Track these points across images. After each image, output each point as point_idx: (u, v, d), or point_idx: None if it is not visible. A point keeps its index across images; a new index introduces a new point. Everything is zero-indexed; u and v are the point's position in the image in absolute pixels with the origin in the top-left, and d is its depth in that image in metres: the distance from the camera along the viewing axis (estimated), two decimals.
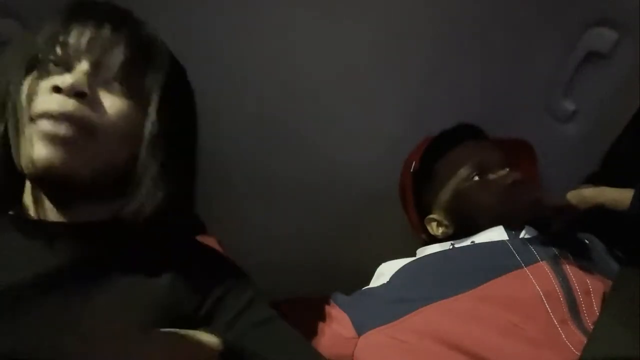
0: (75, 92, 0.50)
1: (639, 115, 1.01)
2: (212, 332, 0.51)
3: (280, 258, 1.21)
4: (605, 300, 0.69)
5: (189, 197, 0.63)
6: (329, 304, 0.86)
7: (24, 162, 0.50)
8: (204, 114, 0.69)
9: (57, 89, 0.50)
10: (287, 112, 1.06)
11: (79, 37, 0.53)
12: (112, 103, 0.53)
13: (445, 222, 0.94)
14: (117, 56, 0.53)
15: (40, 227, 0.54)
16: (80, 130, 0.50)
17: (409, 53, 1.01)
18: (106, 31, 0.53)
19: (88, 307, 0.47)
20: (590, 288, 0.71)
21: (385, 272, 0.90)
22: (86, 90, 0.50)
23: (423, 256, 0.88)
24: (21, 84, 0.51)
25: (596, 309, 0.68)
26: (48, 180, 0.52)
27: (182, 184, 0.60)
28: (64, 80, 0.50)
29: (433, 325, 0.71)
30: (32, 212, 0.55)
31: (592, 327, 0.65)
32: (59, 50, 0.52)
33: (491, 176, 0.90)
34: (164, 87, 0.56)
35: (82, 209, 0.55)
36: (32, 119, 0.50)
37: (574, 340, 0.63)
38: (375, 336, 0.76)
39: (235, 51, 0.98)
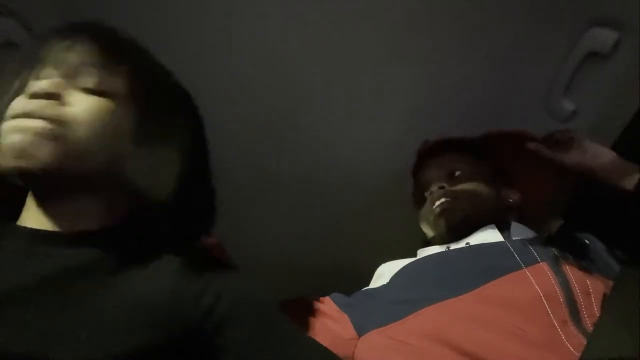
0: (47, 94, 0.53)
1: (639, 115, 1.01)
2: None
3: (280, 258, 1.21)
4: (605, 301, 0.69)
5: (199, 199, 0.64)
6: (329, 304, 0.86)
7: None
8: (207, 113, 0.69)
9: (33, 95, 0.53)
10: (288, 112, 1.07)
11: (56, 51, 0.57)
12: (84, 101, 0.55)
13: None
14: (85, 62, 0.57)
15: (35, 235, 0.54)
16: (52, 123, 0.52)
17: (410, 54, 1.01)
18: (79, 43, 0.58)
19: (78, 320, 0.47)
20: (590, 288, 0.71)
21: (385, 273, 0.90)
22: (56, 90, 0.53)
23: (423, 257, 0.88)
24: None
25: (596, 309, 0.68)
26: (27, 176, 0.53)
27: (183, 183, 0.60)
28: (39, 85, 0.53)
29: (433, 326, 0.71)
30: (28, 221, 0.56)
31: (592, 328, 0.65)
32: (40, 66, 0.57)
33: (427, 194, 0.97)
34: (135, 81, 0.59)
35: (74, 216, 0.56)
36: (7, 120, 0.53)
37: (574, 342, 0.63)
38: (376, 337, 0.76)
39: (239, 51, 0.98)
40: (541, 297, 0.68)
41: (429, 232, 0.96)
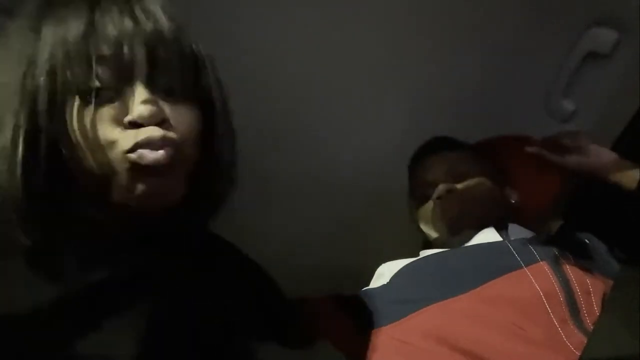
0: (155, 122, 0.45)
1: (639, 115, 1.01)
2: None
3: (281, 258, 1.20)
4: (605, 300, 0.69)
5: None
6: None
7: (123, 197, 0.46)
8: None
9: (134, 125, 0.45)
10: (288, 113, 1.06)
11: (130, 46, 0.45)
12: (181, 113, 0.48)
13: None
14: (167, 60, 0.48)
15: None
16: (172, 151, 0.46)
17: (410, 54, 1.01)
18: (149, 24, 0.47)
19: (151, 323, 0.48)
20: (590, 288, 0.71)
21: (385, 273, 0.90)
22: (165, 115, 0.46)
23: (423, 257, 0.88)
24: (64, 113, 0.44)
25: (596, 309, 0.68)
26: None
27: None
28: (139, 114, 0.44)
29: (433, 325, 0.71)
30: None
31: (592, 327, 0.65)
32: (100, 70, 0.44)
33: (433, 197, 0.91)
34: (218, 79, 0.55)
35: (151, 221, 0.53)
36: (122, 153, 0.44)
37: (574, 341, 0.63)
38: (376, 337, 0.76)
39: (239, 51, 0.98)
40: (541, 296, 0.68)
41: (432, 234, 0.94)
